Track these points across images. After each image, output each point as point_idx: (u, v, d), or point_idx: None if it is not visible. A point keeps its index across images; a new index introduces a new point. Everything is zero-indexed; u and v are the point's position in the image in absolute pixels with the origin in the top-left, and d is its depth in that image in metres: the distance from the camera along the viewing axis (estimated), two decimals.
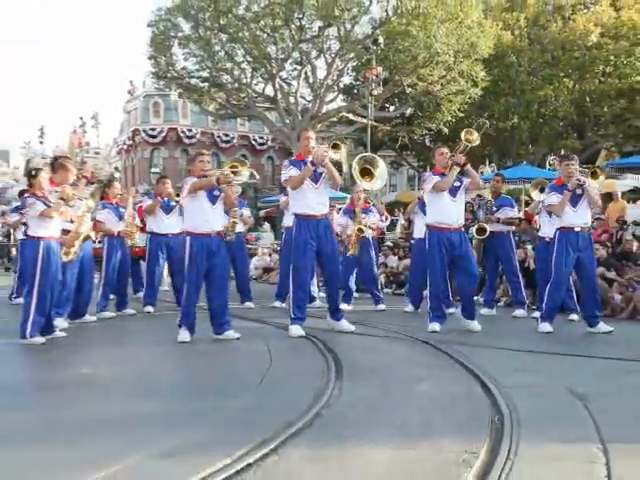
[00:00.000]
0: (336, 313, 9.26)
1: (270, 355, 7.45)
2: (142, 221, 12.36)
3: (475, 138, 9.51)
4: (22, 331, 8.54)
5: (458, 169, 9.22)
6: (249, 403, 5.43)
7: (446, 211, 9.30)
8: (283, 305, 12.25)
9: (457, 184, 9.32)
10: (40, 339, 8.54)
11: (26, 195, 8.85)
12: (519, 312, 11.30)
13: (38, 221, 8.58)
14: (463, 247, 9.37)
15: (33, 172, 9.03)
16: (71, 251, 9.33)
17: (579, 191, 9.20)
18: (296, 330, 8.81)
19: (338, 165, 9.44)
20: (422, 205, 11.76)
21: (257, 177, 10.15)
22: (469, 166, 9.38)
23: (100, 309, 11.02)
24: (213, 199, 8.55)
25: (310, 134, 9.37)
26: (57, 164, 9.28)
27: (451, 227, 9.29)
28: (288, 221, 11.32)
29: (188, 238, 8.59)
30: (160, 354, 8.12)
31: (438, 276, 9.38)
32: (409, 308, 12.03)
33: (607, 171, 12.16)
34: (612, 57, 37.63)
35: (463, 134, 9.56)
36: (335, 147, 9.20)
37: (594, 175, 9.83)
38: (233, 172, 8.57)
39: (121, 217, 11.44)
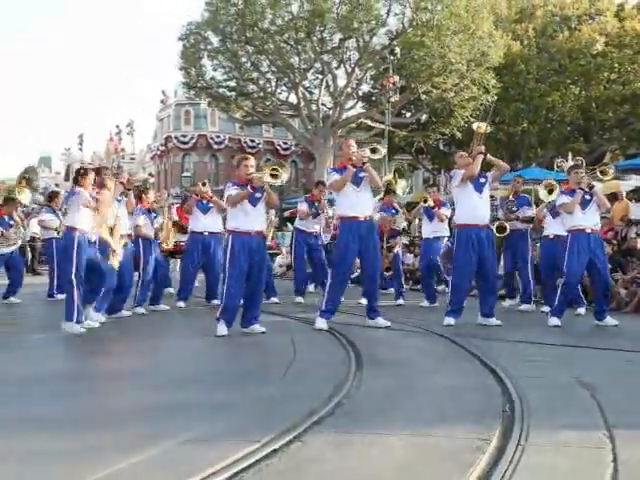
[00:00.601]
0: (371, 312, 9.14)
1: (294, 347, 7.45)
2: (177, 222, 12.49)
3: (485, 127, 9.57)
4: (67, 317, 8.66)
5: (482, 157, 9.17)
6: (274, 393, 5.44)
7: (474, 209, 9.24)
8: (302, 300, 12.30)
9: (482, 180, 9.27)
10: (78, 328, 8.63)
11: (74, 188, 8.99)
12: (526, 306, 11.25)
13: (77, 214, 8.71)
14: (490, 245, 9.34)
15: (82, 171, 9.14)
16: (118, 258, 9.38)
17: (588, 196, 9.16)
18: (321, 324, 8.81)
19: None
20: (426, 210, 11.90)
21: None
22: (489, 155, 9.36)
23: (136, 305, 11.04)
24: (254, 201, 8.51)
25: (351, 142, 9.31)
26: (98, 180, 9.28)
27: (479, 224, 9.26)
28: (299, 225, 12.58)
29: (230, 237, 8.60)
30: (190, 347, 8.15)
31: (464, 274, 9.33)
32: (425, 303, 12.01)
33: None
34: (616, 65, 37.47)
35: (475, 127, 9.57)
36: (374, 151, 9.15)
37: (603, 173, 9.72)
38: (273, 175, 8.50)
39: (152, 222, 11.47)
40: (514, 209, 11.49)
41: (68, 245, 8.70)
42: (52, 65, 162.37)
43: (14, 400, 5.39)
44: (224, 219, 10.61)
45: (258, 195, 8.53)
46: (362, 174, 8.90)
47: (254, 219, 8.55)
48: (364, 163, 8.85)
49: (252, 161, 8.80)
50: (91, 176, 9.05)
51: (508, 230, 11.29)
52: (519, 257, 11.54)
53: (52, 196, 14.58)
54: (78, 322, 8.69)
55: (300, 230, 12.86)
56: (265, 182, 8.41)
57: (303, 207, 12.81)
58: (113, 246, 9.19)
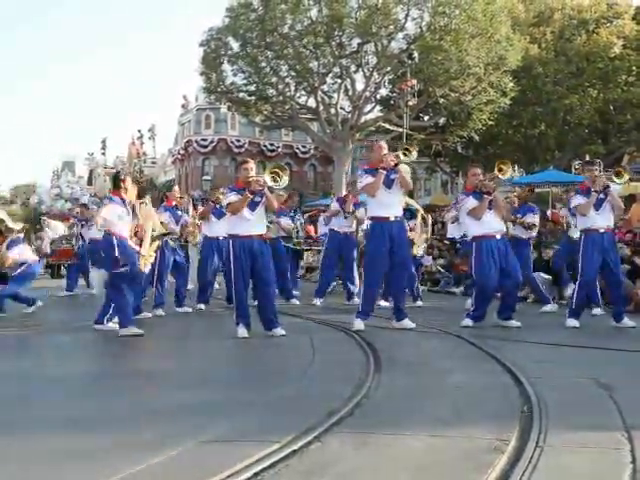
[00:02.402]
0: (399, 313, 9.12)
1: (313, 348, 7.47)
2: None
3: (506, 173, 9.50)
4: (121, 321, 8.85)
5: (489, 198, 9.15)
6: (294, 393, 5.45)
7: (487, 222, 9.21)
8: (320, 303, 12.30)
9: (490, 198, 9.23)
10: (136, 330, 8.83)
11: (112, 195, 9.10)
12: (549, 307, 11.17)
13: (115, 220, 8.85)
14: (509, 252, 9.30)
15: (122, 177, 9.31)
16: (148, 262, 9.46)
17: (602, 196, 9.11)
18: (358, 324, 8.83)
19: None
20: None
21: None
22: (496, 193, 9.32)
23: (155, 306, 11.09)
24: (252, 206, 8.50)
25: (382, 144, 9.29)
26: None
27: (497, 235, 9.23)
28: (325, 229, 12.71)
29: (230, 242, 8.61)
30: (210, 348, 8.17)
31: (488, 284, 9.23)
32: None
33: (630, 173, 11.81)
34: (634, 67, 37.26)
35: (497, 165, 9.50)
36: (406, 152, 9.11)
37: (619, 175, 9.64)
38: (273, 178, 8.51)
39: (177, 220, 11.57)
40: (518, 215, 11.40)
41: (111, 248, 8.83)
42: (75, 74, 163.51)
43: (41, 400, 5.46)
44: None
45: (257, 199, 8.52)
46: (393, 176, 8.90)
47: (253, 224, 8.54)
48: (396, 164, 8.84)
49: (252, 164, 8.84)
50: (129, 180, 9.22)
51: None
52: (522, 265, 11.43)
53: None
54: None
55: (332, 230, 12.86)
56: (265, 185, 8.42)
57: (335, 206, 12.95)
58: (142, 251, 9.25)
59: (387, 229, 8.90)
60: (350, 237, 12.86)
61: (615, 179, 9.69)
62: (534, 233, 11.71)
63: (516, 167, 33.17)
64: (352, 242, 12.95)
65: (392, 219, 8.94)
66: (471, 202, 9.25)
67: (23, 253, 11.97)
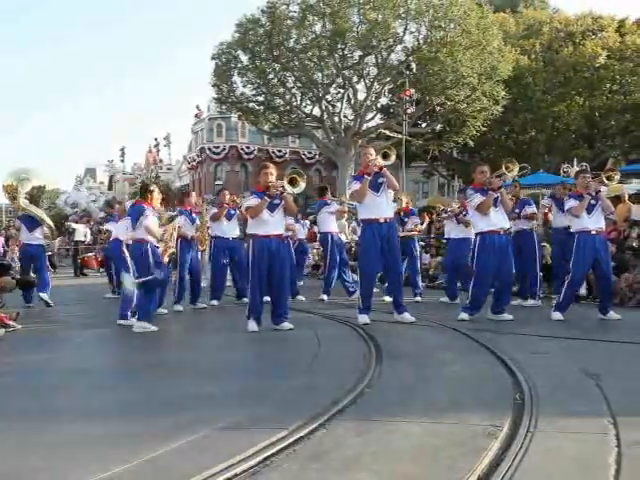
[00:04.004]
0: (398, 307, 9.10)
1: (318, 342, 7.46)
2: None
3: (512, 171, 9.49)
4: (139, 316, 8.89)
5: (495, 195, 9.13)
6: (300, 383, 5.45)
7: (492, 219, 9.18)
8: (326, 298, 12.27)
9: (496, 195, 9.20)
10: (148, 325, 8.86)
11: (141, 205, 9.05)
12: (532, 302, 11.16)
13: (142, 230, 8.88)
14: (509, 249, 9.31)
15: (152, 187, 9.34)
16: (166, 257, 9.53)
17: (593, 201, 9.09)
18: (362, 319, 8.83)
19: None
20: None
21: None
22: (502, 190, 9.29)
23: (174, 302, 11.10)
24: (272, 207, 8.50)
25: (369, 150, 9.23)
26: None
27: (500, 231, 9.22)
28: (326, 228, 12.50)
29: (251, 240, 8.60)
30: (221, 341, 8.17)
31: (486, 279, 9.25)
32: (444, 299, 11.98)
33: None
34: (618, 76, 37.40)
35: (504, 164, 9.47)
36: (385, 156, 9.03)
37: (610, 178, 9.60)
38: (292, 183, 8.51)
39: (193, 222, 11.58)
40: (516, 210, 11.39)
41: (142, 255, 8.87)
42: (96, 87, 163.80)
43: (64, 391, 5.48)
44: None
45: (276, 202, 8.52)
46: (381, 179, 8.87)
47: (272, 225, 8.53)
48: (381, 168, 8.80)
49: (273, 169, 8.76)
50: (157, 192, 9.27)
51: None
52: (526, 256, 11.41)
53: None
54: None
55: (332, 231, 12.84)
56: (284, 189, 8.42)
57: (338, 207, 12.90)
58: (162, 247, 9.33)
59: (378, 230, 8.88)
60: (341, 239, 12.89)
61: (606, 182, 9.64)
62: (536, 222, 11.68)
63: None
64: (342, 241, 12.99)
65: (382, 221, 8.90)
66: (478, 198, 9.23)
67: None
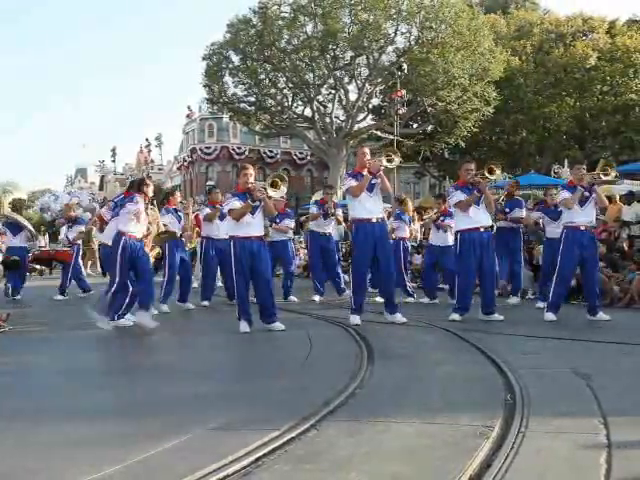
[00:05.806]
0: (390, 307, 9.11)
1: (310, 342, 7.46)
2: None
3: (495, 172, 9.43)
4: (110, 315, 8.99)
5: (479, 195, 9.16)
6: (292, 384, 5.45)
7: (473, 217, 9.23)
8: (318, 299, 12.26)
9: (478, 194, 9.23)
10: (127, 322, 9.11)
11: (133, 195, 9.18)
12: (514, 300, 11.19)
13: (128, 220, 8.97)
14: (490, 247, 9.34)
15: (147, 181, 9.52)
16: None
17: (587, 193, 9.09)
18: (354, 319, 8.85)
19: None
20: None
21: None
22: (486, 189, 9.34)
23: (161, 303, 11.06)
24: (252, 210, 8.50)
25: (365, 150, 9.27)
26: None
27: (480, 228, 9.25)
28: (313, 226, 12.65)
29: (232, 242, 8.61)
30: (213, 342, 8.16)
31: (469, 276, 9.31)
32: (425, 299, 12.03)
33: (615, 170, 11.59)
34: (608, 78, 37.57)
35: (487, 167, 9.38)
36: (390, 160, 9.03)
37: (606, 172, 9.60)
38: (273, 186, 8.52)
39: (179, 221, 11.53)
40: (506, 210, 11.42)
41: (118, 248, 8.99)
42: (90, 87, 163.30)
43: (57, 392, 5.47)
44: None
45: (256, 204, 8.53)
46: (374, 181, 8.89)
47: (253, 226, 8.54)
48: (378, 170, 8.84)
49: (251, 170, 8.78)
50: (151, 186, 9.44)
51: (495, 229, 11.08)
52: (510, 250, 11.43)
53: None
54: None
55: (313, 231, 12.87)
56: (265, 194, 8.43)
57: (313, 210, 12.91)
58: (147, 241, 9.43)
59: (370, 230, 8.91)
60: (330, 237, 12.87)
61: (602, 177, 9.62)
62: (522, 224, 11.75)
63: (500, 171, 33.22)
64: (332, 241, 12.98)
65: (374, 220, 8.94)
66: (458, 196, 9.26)
67: None
